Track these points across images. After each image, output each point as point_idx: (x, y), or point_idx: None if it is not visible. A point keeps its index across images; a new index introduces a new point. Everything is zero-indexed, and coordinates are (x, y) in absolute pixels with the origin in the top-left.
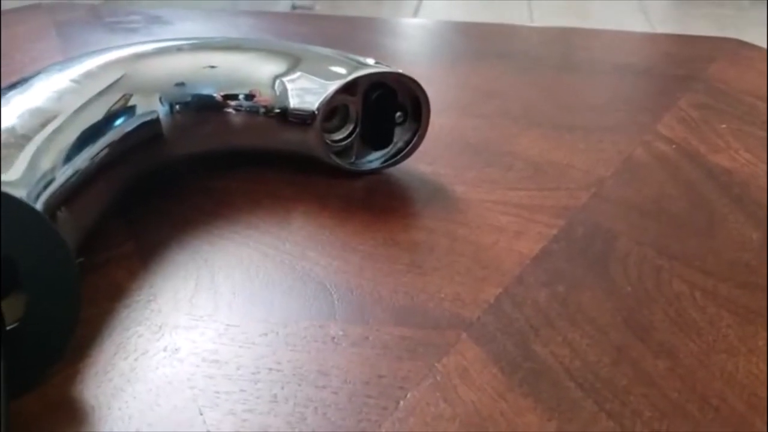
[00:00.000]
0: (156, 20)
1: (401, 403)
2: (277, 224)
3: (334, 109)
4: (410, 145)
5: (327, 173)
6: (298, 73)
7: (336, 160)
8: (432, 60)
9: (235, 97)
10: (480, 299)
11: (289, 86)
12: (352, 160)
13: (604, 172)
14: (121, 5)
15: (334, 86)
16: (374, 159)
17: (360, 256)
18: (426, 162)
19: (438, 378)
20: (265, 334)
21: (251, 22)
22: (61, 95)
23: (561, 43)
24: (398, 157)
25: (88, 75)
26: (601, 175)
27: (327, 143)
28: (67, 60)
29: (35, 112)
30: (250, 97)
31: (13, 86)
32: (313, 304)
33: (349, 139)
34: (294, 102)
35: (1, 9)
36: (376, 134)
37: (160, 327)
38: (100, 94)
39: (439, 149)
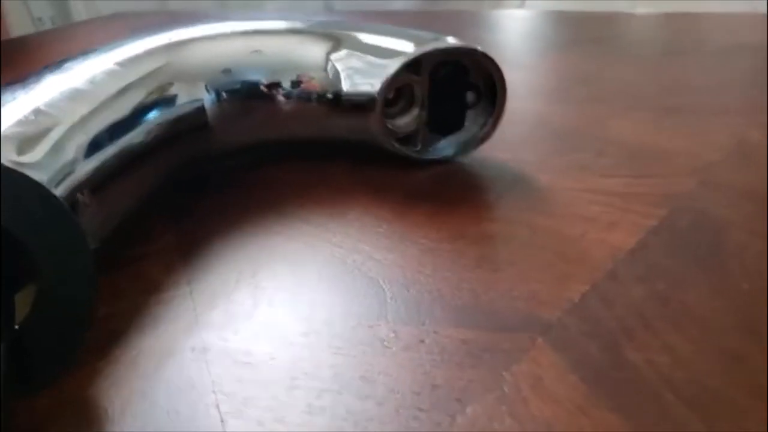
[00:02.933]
0: None
1: (458, 418)
2: (330, 216)
3: (397, 91)
4: (484, 130)
5: (390, 163)
6: (355, 53)
7: (400, 148)
8: (522, 48)
9: (284, 82)
10: (562, 298)
11: (344, 68)
12: (418, 148)
13: (712, 156)
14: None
15: (395, 65)
16: (444, 146)
17: (420, 249)
18: (504, 149)
19: (505, 389)
20: (306, 334)
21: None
22: (97, 78)
23: (664, 27)
24: (471, 143)
25: (130, 60)
26: (709, 160)
27: (389, 129)
28: (111, 44)
29: (67, 93)
30: (299, 82)
31: (48, 68)
32: (362, 302)
33: (415, 125)
34: (350, 85)
35: (83, 19)
36: (445, 118)
37: (192, 324)
38: (140, 80)
39: (522, 136)
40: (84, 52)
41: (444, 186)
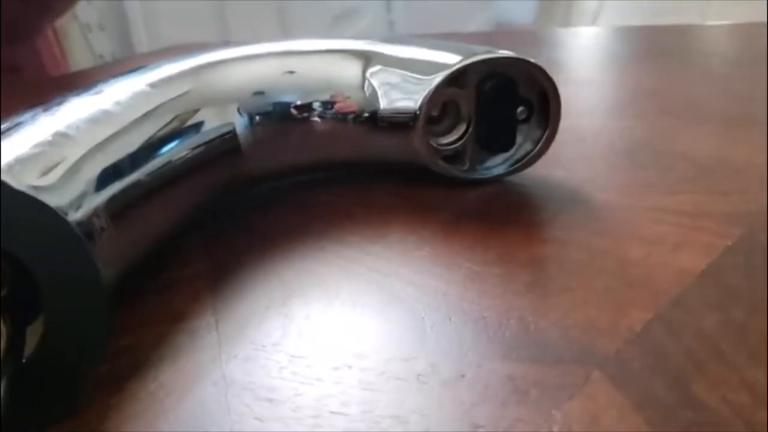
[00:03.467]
0: None
1: None
2: (370, 239)
3: (441, 107)
4: (538, 147)
5: (437, 183)
6: (394, 69)
7: (446, 167)
8: (589, 63)
9: (318, 103)
10: (622, 326)
11: (381, 85)
12: (466, 167)
13: None
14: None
15: (438, 79)
16: (494, 165)
17: (464, 274)
18: (562, 167)
19: (556, 430)
20: (336, 368)
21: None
22: (123, 100)
23: (735, 38)
24: (523, 161)
25: (158, 82)
26: None
27: (434, 148)
28: (143, 66)
29: (89, 115)
30: (333, 102)
31: (74, 91)
32: (400, 332)
33: (461, 142)
34: (388, 102)
35: (144, 51)
36: (494, 135)
37: (215, 357)
38: (168, 103)
39: (581, 152)
40: (115, 74)
41: (494, 206)
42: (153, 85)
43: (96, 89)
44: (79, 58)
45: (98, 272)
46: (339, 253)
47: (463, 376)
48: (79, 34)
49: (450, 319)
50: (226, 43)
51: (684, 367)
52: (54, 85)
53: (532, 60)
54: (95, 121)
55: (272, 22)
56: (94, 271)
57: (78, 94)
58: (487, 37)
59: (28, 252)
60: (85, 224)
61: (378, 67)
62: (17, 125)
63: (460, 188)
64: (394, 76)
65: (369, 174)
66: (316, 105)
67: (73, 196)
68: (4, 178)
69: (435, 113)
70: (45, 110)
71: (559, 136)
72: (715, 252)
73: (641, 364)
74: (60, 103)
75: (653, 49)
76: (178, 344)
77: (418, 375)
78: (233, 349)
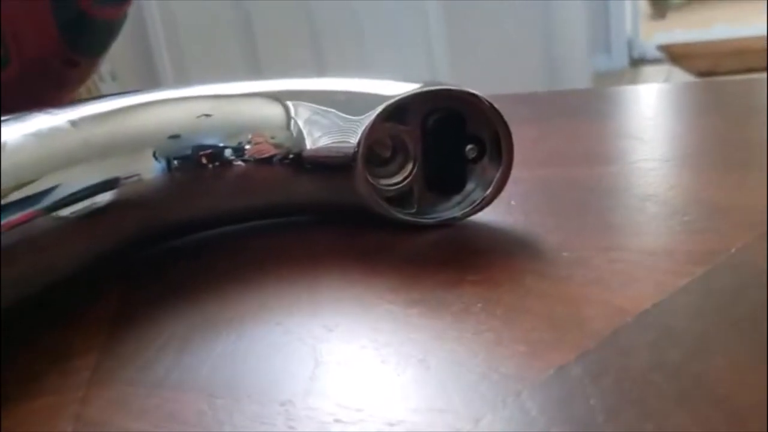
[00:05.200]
0: None
1: None
2: (290, 283)
3: (394, 148)
4: (490, 189)
5: (384, 227)
6: (324, 107)
7: (390, 210)
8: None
9: (238, 145)
10: (533, 368)
11: (309, 123)
12: (413, 210)
13: None
14: None
15: (375, 113)
16: (445, 208)
17: (379, 313)
18: (523, 211)
19: None
20: (200, 413)
21: None
22: (36, 131)
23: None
24: (475, 205)
25: (80, 119)
26: None
27: (377, 188)
28: (76, 102)
29: None
30: (255, 143)
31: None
32: (291, 372)
33: (407, 182)
34: (319, 141)
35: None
36: (442, 175)
37: (80, 397)
38: (79, 141)
39: (546, 198)
40: (45, 108)
41: (438, 249)
42: (72, 122)
43: (23, 117)
44: None
45: None
46: (257, 297)
47: (338, 421)
48: (92, 84)
49: (347, 362)
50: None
51: (594, 412)
52: None
53: (478, 93)
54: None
55: (307, 68)
56: None
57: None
58: (541, 99)
59: None
60: None
61: (307, 105)
62: None
63: (408, 232)
64: (324, 113)
65: (310, 222)
66: (235, 147)
67: None
68: None
69: (384, 153)
70: None
71: (529, 182)
72: (666, 292)
73: (539, 410)
74: None
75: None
76: (47, 382)
77: (290, 420)
78: (103, 389)
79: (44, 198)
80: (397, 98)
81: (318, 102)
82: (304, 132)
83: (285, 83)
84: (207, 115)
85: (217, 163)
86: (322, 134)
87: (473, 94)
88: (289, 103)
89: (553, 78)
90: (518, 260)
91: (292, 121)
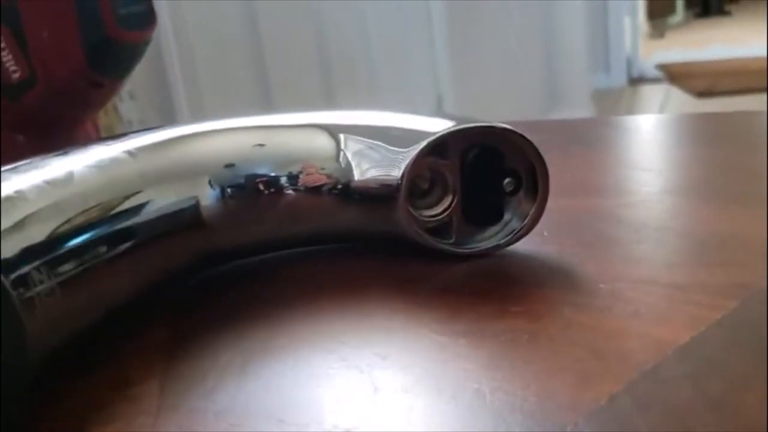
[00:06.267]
0: None
1: None
2: (339, 311)
3: (432, 180)
4: (526, 221)
5: (421, 256)
6: (370, 140)
7: (431, 240)
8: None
9: (289, 175)
10: (585, 399)
11: (357, 155)
12: (452, 240)
13: None
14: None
15: (418, 148)
16: (483, 238)
17: (427, 344)
18: (555, 242)
19: None
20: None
21: None
22: (93, 165)
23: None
24: (512, 235)
25: (136, 150)
26: None
27: (418, 220)
28: (126, 134)
29: (55, 176)
30: (306, 174)
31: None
32: (352, 401)
33: (446, 213)
34: (366, 173)
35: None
36: (480, 207)
37: (151, 423)
38: (135, 171)
39: (576, 228)
40: (102, 138)
41: (476, 279)
42: (129, 153)
43: (71, 151)
44: (108, 124)
45: (25, 350)
46: (307, 324)
47: None
48: (110, 105)
49: (406, 390)
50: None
51: None
52: None
53: (516, 130)
54: (56, 182)
55: (317, 90)
56: (19, 333)
57: (55, 155)
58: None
59: None
60: (24, 285)
61: (353, 138)
62: None
63: (446, 262)
64: (371, 146)
65: (350, 249)
66: (287, 177)
67: (13, 254)
68: None
69: (423, 185)
70: (13, 170)
71: (555, 212)
72: (701, 324)
73: None
74: (32, 163)
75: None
76: (115, 410)
77: None
78: (172, 416)
79: (105, 225)
80: (438, 135)
81: (365, 135)
82: (353, 164)
83: (332, 116)
84: (260, 145)
85: (269, 191)
86: (369, 166)
87: (511, 131)
88: (340, 135)
89: (554, 96)
90: (557, 292)
91: (341, 153)
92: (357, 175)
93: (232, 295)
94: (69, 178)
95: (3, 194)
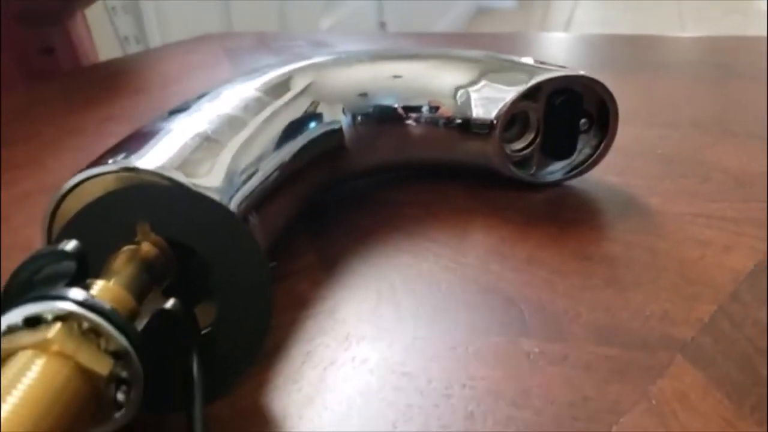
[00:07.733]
0: (320, 45)
1: (614, 428)
2: (456, 237)
3: (513, 117)
4: (595, 155)
5: (506, 185)
6: (481, 82)
7: (516, 172)
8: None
9: (416, 108)
10: (692, 317)
11: (471, 96)
12: (533, 172)
13: None
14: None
15: (513, 93)
16: (556, 170)
17: (548, 270)
18: (614, 173)
19: (654, 403)
20: (454, 348)
21: (408, 43)
22: (249, 104)
23: (716, 50)
24: (582, 167)
25: (275, 84)
26: None
27: (506, 154)
28: (252, 72)
29: (226, 119)
30: (431, 108)
31: (206, 95)
32: (502, 319)
33: (529, 149)
34: (476, 112)
35: (175, 41)
36: (558, 143)
37: (346, 337)
38: (290, 101)
39: (627, 159)
40: (229, 80)
41: (560, 208)
42: (266, 92)
43: (219, 95)
44: (104, 41)
45: (264, 257)
46: (431, 249)
47: (566, 357)
48: (104, 17)
49: (544, 308)
50: (257, 35)
51: (749, 353)
52: (95, 76)
53: (597, 78)
54: (231, 126)
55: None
56: (260, 257)
57: (208, 100)
58: (471, 39)
59: (208, 245)
60: (242, 217)
61: (470, 77)
62: (165, 130)
63: (527, 191)
64: (483, 87)
65: (448, 174)
66: (414, 109)
67: (232, 195)
68: (179, 179)
69: (509, 123)
70: (188, 115)
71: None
72: (760, 254)
73: (714, 349)
74: (192, 108)
75: (645, 60)
76: (308, 326)
77: (528, 355)
78: (359, 332)
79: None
80: (531, 83)
81: (480, 76)
82: (469, 102)
83: (459, 53)
84: (395, 77)
85: (392, 122)
86: (478, 105)
87: (590, 77)
88: (460, 73)
89: None
90: (634, 222)
91: (459, 92)
92: (471, 114)
93: (357, 220)
94: (236, 120)
95: (199, 140)
